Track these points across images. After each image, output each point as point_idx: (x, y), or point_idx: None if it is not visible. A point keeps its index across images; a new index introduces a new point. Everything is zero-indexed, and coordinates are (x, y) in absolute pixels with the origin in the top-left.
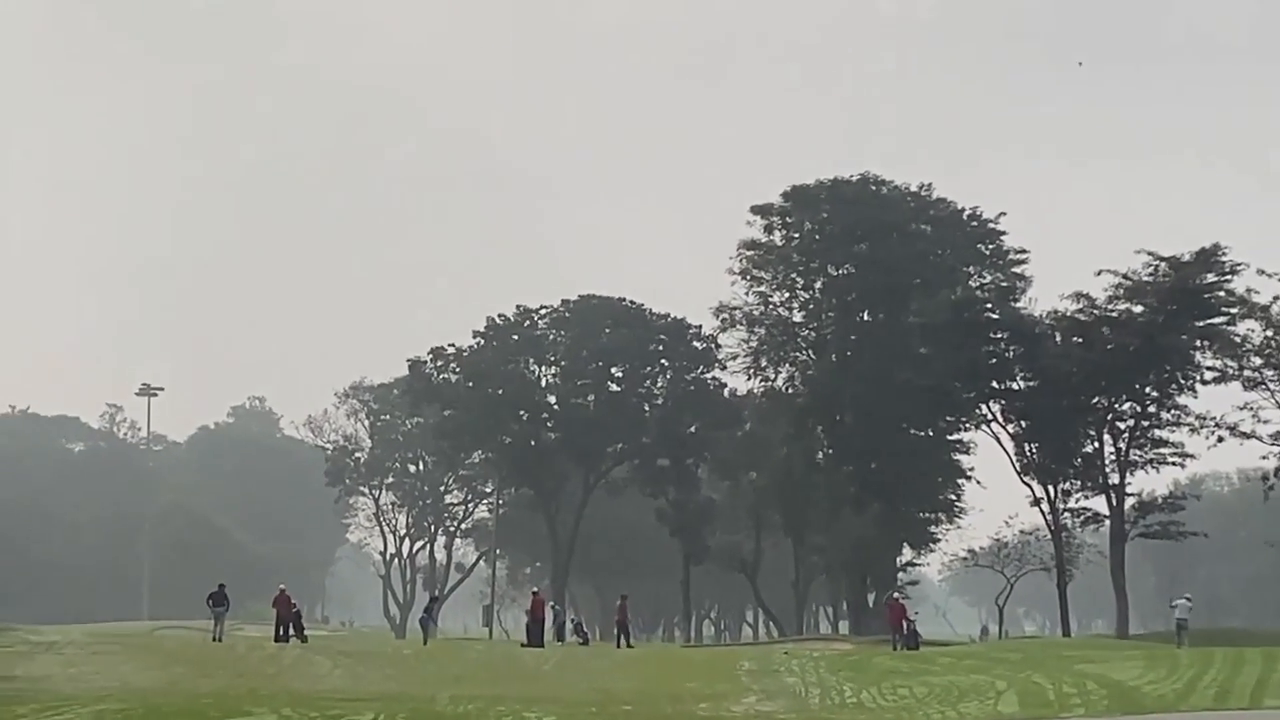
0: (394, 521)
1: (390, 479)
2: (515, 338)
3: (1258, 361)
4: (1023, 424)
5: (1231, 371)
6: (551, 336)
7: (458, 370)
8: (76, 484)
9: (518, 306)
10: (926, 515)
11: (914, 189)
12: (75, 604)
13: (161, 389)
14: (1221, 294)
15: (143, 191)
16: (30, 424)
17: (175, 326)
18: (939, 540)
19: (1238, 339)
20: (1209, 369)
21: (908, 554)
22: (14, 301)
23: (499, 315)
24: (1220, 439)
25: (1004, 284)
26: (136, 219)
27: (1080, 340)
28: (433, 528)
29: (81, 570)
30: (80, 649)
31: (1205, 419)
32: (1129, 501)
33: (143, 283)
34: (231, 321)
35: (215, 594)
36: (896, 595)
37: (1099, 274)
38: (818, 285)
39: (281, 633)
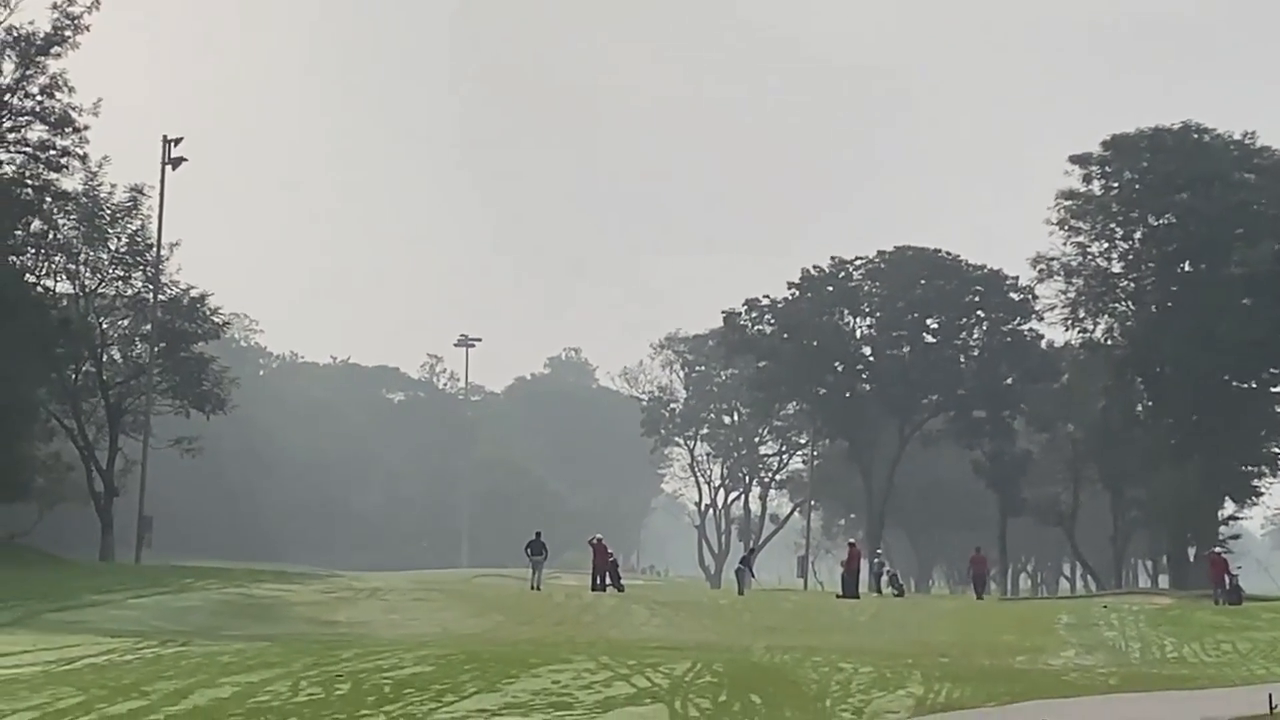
0: (709, 472)
1: (705, 430)
2: (830, 289)
3: None
4: None
5: None
6: (866, 288)
7: (772, 321)
8: (397, 434)
9: (832, 258)
10: (1249, 469)
11: (1237, 137)
12: (396, 552)
13: (480, 340)
14: None
15: (461, 142)
16: (351, 374)
17: (493, 277)
18: (1262, 494)
19: None
20: None
21: (1230, 508)
22: (335, 253)
23: (814, 266)
24: None
25: None
26: (456, 170)
27: None
28: (747, 478)
29: (402, 519)
30: (401, 595)
31: None
32: None
33: (462, 233)
34: (548, 272)
35: (533, 543)
36: (1218, 549)
37: None
38: (1137, 236)
39: (598, 582)
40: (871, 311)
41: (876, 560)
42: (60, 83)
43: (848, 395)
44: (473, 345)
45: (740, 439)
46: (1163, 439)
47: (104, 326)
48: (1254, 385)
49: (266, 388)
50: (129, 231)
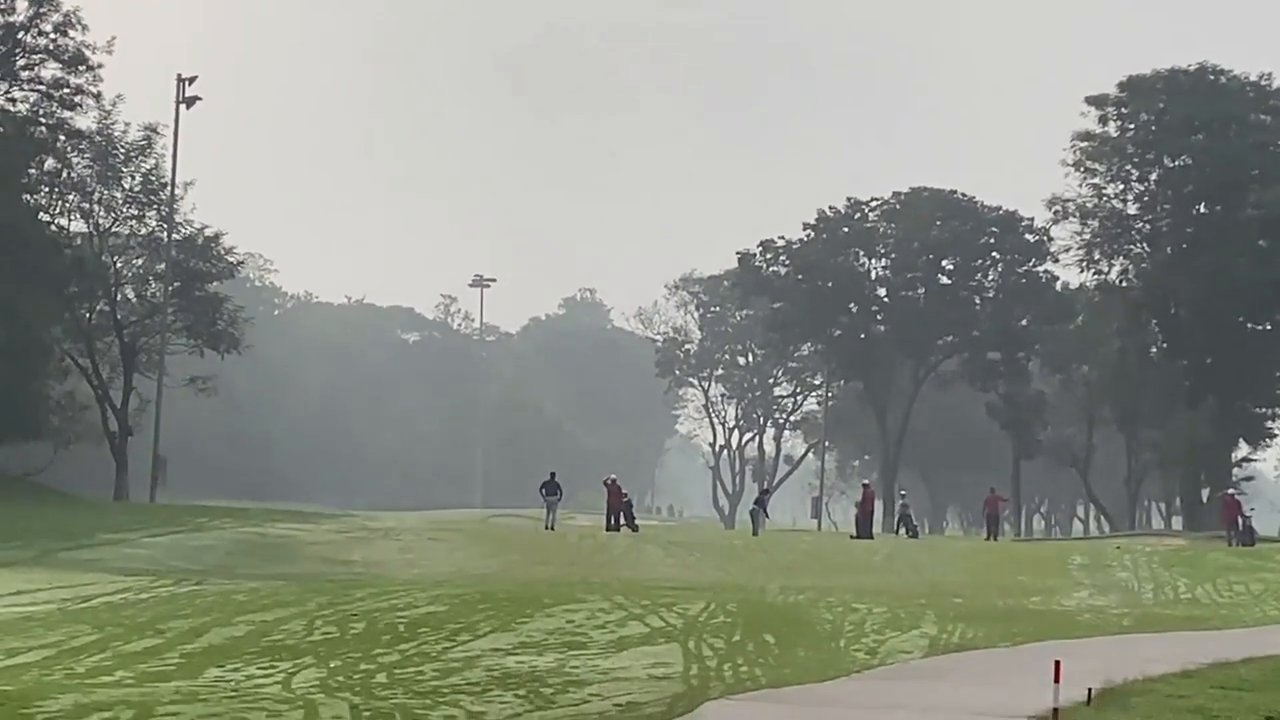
0: (723, 413)
1: (719, 371)
2: (845, 230)
3: None
4: None
5: None
6: (882, 229)
7: (787, 262)
8: (411, 374)
9: (848, 198)
10: (1263, 410)
11: (1253, 78)
12: (410, 492)
13: (494, 280)
14: None
15: (477, 83)
16: (366, 314)
17: (508, 218)
18: (1276, 435)
19: None
20: None
21: (1243, 449)
22: (351, 193)
23: (829, 207)
24: None
25: None
26: (470, 112)
27: None
28: (762, 419)
29: (416, 459)
30: (416, 535)
31: None
32: None
33: (476, 174)
34: (563, 213)
35: (547, 483)
36: (1231, 491)
37: None
38: (1153, 177)
39: (613, 522)
40: (886, 253)
41: (900, 502)
42: (73, 20)
43: (862, 336)
44: (488, 285)
45: (755, 380)
46: (1177, 381)
47: (118, 265)
48: (1269, 327)
49: (281, 327)
50: (143, 170)
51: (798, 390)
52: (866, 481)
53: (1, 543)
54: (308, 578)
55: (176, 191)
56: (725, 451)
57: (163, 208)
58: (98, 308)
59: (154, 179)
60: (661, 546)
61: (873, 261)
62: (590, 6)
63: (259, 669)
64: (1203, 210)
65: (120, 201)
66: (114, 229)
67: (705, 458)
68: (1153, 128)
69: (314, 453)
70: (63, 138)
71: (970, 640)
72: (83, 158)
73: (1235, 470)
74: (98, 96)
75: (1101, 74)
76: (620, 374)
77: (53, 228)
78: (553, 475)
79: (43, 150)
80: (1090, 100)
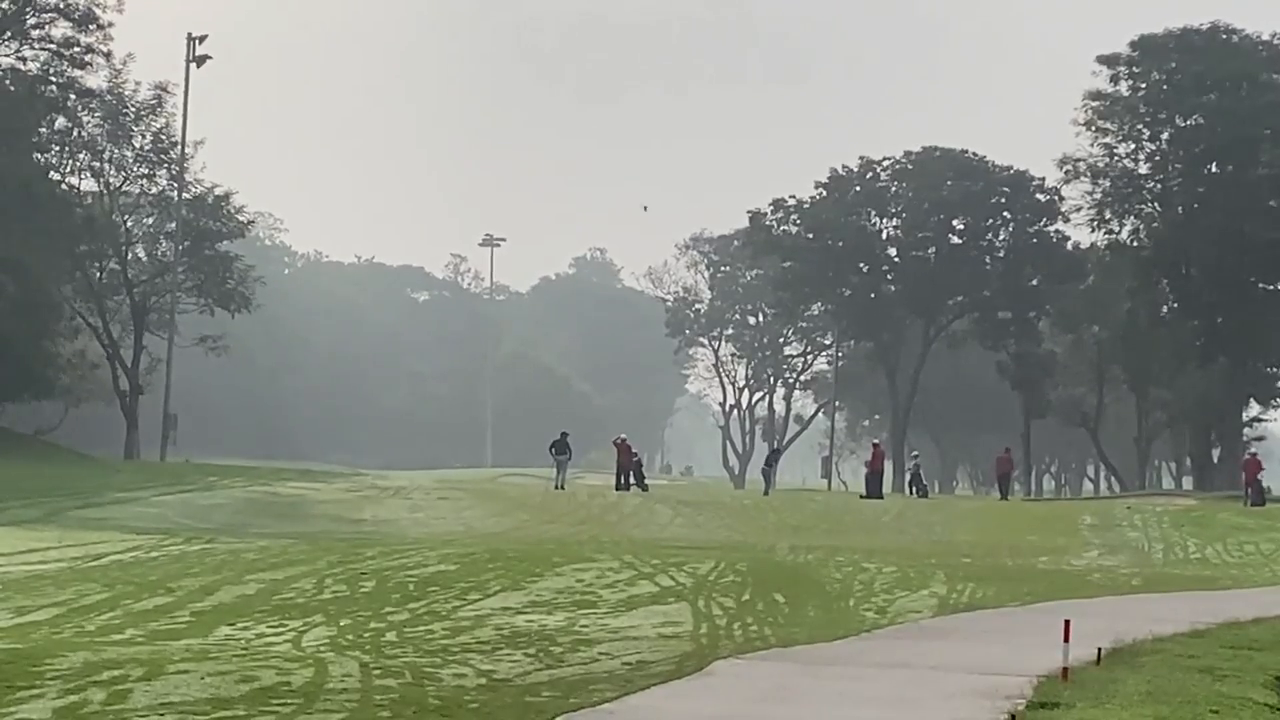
0: (733, 373)
1: (730, 330)
2: (856, 189)
3: None
4: None
5: None
6: (893, 188)
7: (798, 222)
8: (421, 333)
9: (859, 158)
10: (1274, 370)
11: (1265, 37)
12: (421, 450)
13: (504, 239)
14: None
15: (487, 41)
16: (376, 274)
17: (518, 177)
18: None
19: None
20: None
21: (1254, 409)
22: (361, 153)
23: (841, 166)
24: None
25: None
26: (481, 70)
27: None
28: (772, 379)
29: (426, 418)
30: (426, 494)
31: None
32: None
33: (487, 133)
34: (573, 172)
35: (557, 442)
36: (1254, 451)
37: None
38: (1164, 137)
39: (622, 481)
40: (898, 212)
41: (911, 463)
42: None
43: (873, 296)
44: (498, 245)
45: (765, 340)
46: (1188, 340)
47: (128, 224)
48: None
49: (291, 286)
50: (153, 129)
51: (808, 350)
52: (876, 441)
53: (12, 501)
54: (318, 536)
55: (187, 150)
56: (735, 411)
57: (173, 166)
58: (108, 266)
59: (164, 138)
60: (671, 506)
61: (884, 221)
62: None
63: (269, 627)
64: (1214, 170)
65: (131, 160)
66: (124, 188)
67: (715, 417)
68: (1164, 87)
69: (324, 412)
70: (73, 96)
71: (980, 600)
72: (93, 116)
73: (1246, 430)
74: (108, 55)
75: (1113, 33)
76: (630, 333)
77: (63, 186)
78: (563, 435)
79: (53, 109)
80: (1102, 59)
